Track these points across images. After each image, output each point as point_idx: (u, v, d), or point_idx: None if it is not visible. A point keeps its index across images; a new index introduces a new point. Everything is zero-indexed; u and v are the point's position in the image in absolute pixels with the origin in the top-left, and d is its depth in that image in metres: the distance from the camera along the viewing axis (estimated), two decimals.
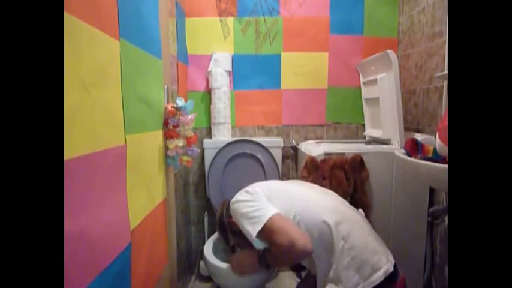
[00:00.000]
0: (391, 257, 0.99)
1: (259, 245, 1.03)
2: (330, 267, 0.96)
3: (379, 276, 0.93)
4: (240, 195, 1.10)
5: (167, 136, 1.15)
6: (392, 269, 0.95)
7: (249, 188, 1.12)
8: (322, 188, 1.22)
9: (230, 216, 1.16)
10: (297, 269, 1.67)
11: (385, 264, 0.95)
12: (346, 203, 1.15)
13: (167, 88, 1.22)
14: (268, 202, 1.04)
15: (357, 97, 1.95)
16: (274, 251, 1.00)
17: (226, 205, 1.21)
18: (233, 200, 1.11)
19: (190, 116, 1.19)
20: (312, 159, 1.47)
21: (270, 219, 0.98)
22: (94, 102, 0.62)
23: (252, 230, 1.00)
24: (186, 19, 1.84)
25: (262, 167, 1.79)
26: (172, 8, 1.47)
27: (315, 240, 0.97)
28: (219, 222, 1.25)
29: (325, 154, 1.48)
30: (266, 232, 0.98)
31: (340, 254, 0.94)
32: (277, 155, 1.83)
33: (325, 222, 0.97)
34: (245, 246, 1.15)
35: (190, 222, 1.97)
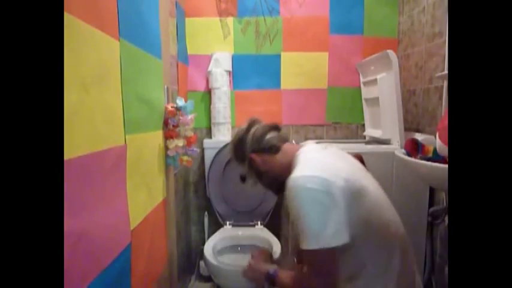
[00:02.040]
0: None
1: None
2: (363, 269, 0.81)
3: None
4: (310, 180, 0.77)
5: (167, 136, 1.16)
6: None
7: (326, 172, 0.79)
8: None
9: (253, 151, 0.97)
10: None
11: None
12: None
13: (167, 88, 1.22)
14: (343, 216, 0.76)
15: (357, 97, 1.95)
16: (303, 276, 0.83)
17: (256, 136, 0.98)
18: (297, 177, 0.79)
19: (190, 116, 1.19)
20: None
21: (328, 250, 0.75)
22: (94, 102, 0.62)
23: (304, 241, 0.76)
24: (186, 19, 1.84)
25: None
26: (172, 8, 1.47)
27: (370, 237, 0.81)
28: (236, 147, 1.01)
29: None
30: (313, 254, 0.77)
31: (393, 272, 0.80)
32: None
33: (388, 224, 0.85)
34: (263, 183, 1.03)
35: (190, 222, 1.97)
